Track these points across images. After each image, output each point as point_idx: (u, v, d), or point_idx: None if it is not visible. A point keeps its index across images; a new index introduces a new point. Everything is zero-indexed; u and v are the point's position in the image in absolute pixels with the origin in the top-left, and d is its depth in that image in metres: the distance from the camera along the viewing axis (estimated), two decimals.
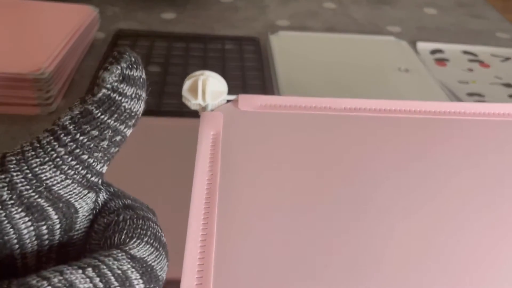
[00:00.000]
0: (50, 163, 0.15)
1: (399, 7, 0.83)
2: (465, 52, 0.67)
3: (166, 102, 0.50)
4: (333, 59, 0.61)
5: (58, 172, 0.15)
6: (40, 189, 0.15)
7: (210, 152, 0.26)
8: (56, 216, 0.15)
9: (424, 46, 0.67)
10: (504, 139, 0.30)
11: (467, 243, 0.23)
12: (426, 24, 0.77)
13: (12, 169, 0.15)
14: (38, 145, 0.15)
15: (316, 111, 0.30)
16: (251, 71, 0.57)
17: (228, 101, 0.30)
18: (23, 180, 0.15)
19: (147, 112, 0.47)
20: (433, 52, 0.67)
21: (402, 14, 0.80)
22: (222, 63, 0.58)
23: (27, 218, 0.15)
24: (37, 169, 0.15)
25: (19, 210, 0.15)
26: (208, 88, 0.29)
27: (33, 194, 0.15)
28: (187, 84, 0.29)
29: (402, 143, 0.29)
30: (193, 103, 0.29)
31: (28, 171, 0.15)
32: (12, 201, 0.15)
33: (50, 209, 0.15)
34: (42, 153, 0.15)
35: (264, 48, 0.63)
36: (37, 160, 0.15)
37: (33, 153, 0.15)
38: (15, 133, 0.45)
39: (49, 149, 0.15)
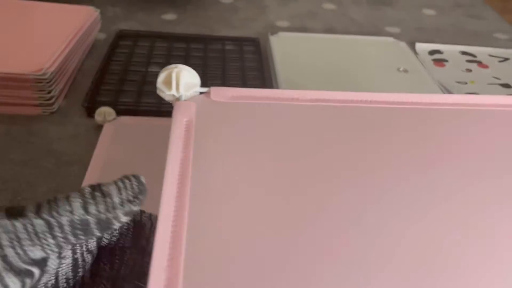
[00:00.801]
0: (39, 247, 0.18)
1: (398, 8, 0.83)
2: (464, 53, 0.68)
3: (166, 103, 0.50)
4: (332, 60, 0.61)
5: (43, 253, 0.18)
6: (27, 260, 0.18)
7: (184, 137, 0.27)
8: (38, 271, 0.19)
9: (423, 47, 0.68)
10: (485, 129, 0.31)
11: (456, 236, 0.23)
12: (425, 25, 0.77)
13: (6, 245, 0.17)
14: (32, 230, 0.18)
15: (284, 101, 0.31)
16: (251, 71, 0.57)
17: (201, 93, 0.32)
18: (14, 255, 0.18)
19: (147, 113, 0.48)
20: (432, 52, 0.67)
21: (401, 15, 0.80)
22: (222, 64, 0.58)
23: (16, 279, 0.18)
24: (27, 248, 0.18)
25: (10, 274, 0.18)
26: (182, 80, 0.31)
27: (22, 264, 0.18)
28: (161, 76, 0.31)
29: (369, 133, 0.30)
30: (167, 94, 0.31)
31: (20, 251, 0.18)
32: (3, 269, 0.17)
33: (34, 269, 0.18)
34: (35, 238, 0.18)
35: (264, 49, 0.63)
36: (29, 243, 0.18)
37: (26, 236, 0.18)
38: (16, 133, 0.45)
39: (42, 238, 0.18)
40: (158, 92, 0.31)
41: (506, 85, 0.60)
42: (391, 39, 0.68)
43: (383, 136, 0.30)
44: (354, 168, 0.27)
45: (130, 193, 0.20)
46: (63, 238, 0.18)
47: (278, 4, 0.80)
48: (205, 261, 0.20)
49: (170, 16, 0.72)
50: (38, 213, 0.18)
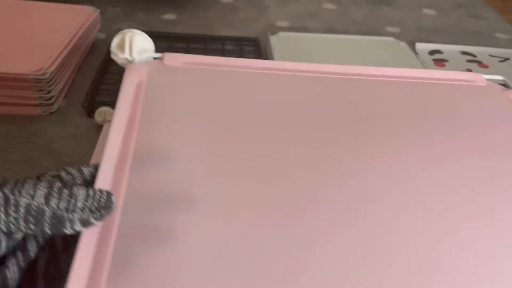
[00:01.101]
0: None
1: (398, 8, 0.83)
2: (464, 53, 0.68)
3: None
4: (332, 60, 0.61)
5: None
6: None
7: (133, 96, 0.28)
8: (4, 237, 0.19)
9: (423, 47, 0.68)
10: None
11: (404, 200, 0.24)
12: (425, 24, 0.77)
13: None
14: None
15: (235, 68, 0.33)
16: None
17: (155, 58, 0.32)
18: None
19: None
20: (432, 52, 0.67)
21: (401, 15, 0.80)
22: None
23: None
24: None
25: None
26: (135, 44, 0.31)
27: None
28: (115, 41, 0.31)
29: (319, 101, 0.31)
30: (121, 57, 0.31)
31: None
32: None
33: None
34: None
35: (264, 49, 0.63)
36: None
37: None
38: (16, 133, 0.45)
39: None
40: (112, 56, 0.31)
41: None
42: (391, 39, 0.68)
43: (333, 105, 0.31)
44: (301, 135, 0.27)
45: (95, 203, 0.20)
46: (14, 219, 0.19)
47: (278, 4, 0.80)
48: (140, 214, 0.21)
49: (170, 16, 0.72)
50: (1, 186, 0.19)
